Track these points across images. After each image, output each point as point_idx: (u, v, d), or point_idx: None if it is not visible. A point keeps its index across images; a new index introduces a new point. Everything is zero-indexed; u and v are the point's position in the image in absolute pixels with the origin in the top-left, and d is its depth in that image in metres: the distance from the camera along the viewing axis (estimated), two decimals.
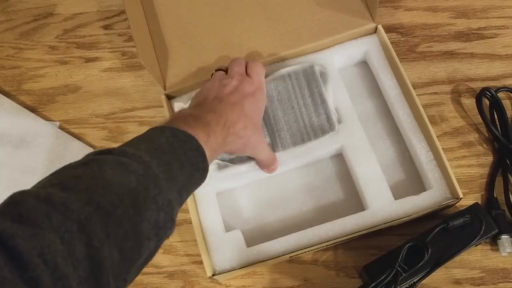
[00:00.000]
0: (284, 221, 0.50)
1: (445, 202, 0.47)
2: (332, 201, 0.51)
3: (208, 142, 0.38)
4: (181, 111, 0.44)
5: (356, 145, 0.50)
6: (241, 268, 0.46)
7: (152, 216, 0.31)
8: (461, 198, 0.46)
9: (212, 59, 0.55)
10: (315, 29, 0.54)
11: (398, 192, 0.48)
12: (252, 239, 0.48)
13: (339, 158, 0.52)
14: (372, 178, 0.49)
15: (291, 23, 0.55)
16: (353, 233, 0.46)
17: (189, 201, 0.49)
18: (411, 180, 0.50)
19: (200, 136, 0.38)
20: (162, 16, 0.58)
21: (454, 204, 0.48)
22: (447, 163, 0.47)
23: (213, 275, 0.46)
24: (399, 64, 0.51)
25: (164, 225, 0.32)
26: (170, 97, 0.55)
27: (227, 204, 0.51)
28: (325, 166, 0.52)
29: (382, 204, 0.47)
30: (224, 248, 0.47)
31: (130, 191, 0.31)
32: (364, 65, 0.56)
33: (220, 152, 0.42)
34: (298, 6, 0.56)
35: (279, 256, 0.46)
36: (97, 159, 0.32)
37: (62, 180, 0.30)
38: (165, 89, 0.54)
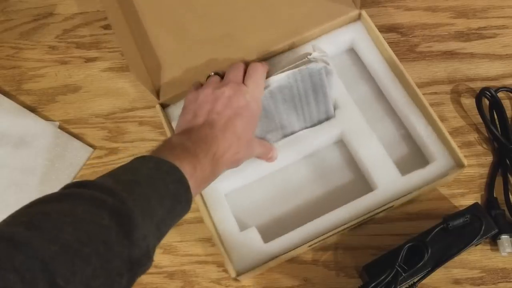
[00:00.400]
0: (297, 212, 0.50)
1: (451, 172, 0.47)
2: (340, 186, 0.51)
3: (194, 175, 0.38)
4: (170, 139, 0.42)
5: (356, 129, 0.51)
6: (264, 263, 0.46)
7: (124, 253, 0.31)
8: (465, 166, 0.47)
9: (203, 61, 0.54)
10: (301, 21, 0.54)
11: (404, 169, 0.49)
12: (268, 235, 0.48)
13: (340, 144, 0.53)
14: (376, 158, 0.49)
15: (275, 18, 0.55)
16: (368, 213, 0.47)
17: (200, 206, 0.48)
18: (415, 156, 0.51)
19: (186, 168, 0.37)
20: (150, 25, 0.57)
21: (458, 172, 0.48)
22: (447, 134, 0.48)
23: (237, 275, 0.46)
24: (387, 45, 0.52)
25: (139, 261, 0.32)
26: (164, 106, 0.54)
27: (237, 203, 0.51)
28: (327, 154, 0.53)
29: (391, 181, 0.48)
30: (242, 247, 0.47)
31: (101, 227, 0.30)
32: (353, 51, 0.56)
33: (210, 181, 0.42)
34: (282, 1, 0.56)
35: (299, 246, 0.46)
36: (71, 194, 0.32)
37: (30, 217, 0.30)
38: (158, 98, 0.54)
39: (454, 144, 0.48)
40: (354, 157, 0.51)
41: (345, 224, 0.46)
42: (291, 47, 0.55)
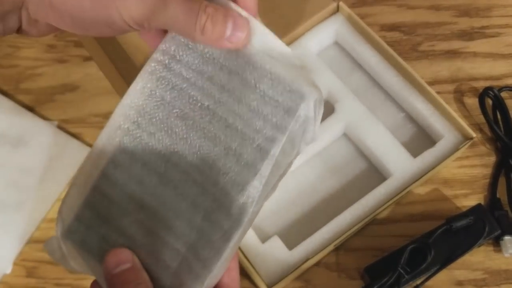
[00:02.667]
0: (315, 213, 0.50)
1: (461, 145, 0.48)
2: (353, 179, 0.51)
3: None
4: None
5: (360, 119, 0.50)
6: (293, 271, 0.45)
7: None
8: (474, 137, 0.47)
9: None
10: (282, 23, 0.54)
11: (413, 151, 0.49)
12: (290, 241, 0.47)
13: (345, 137, 0.52)
14: (386, 145, 0.49)
15: None
16: (389, 201, 0.47)
17: None
18: (421, 137, 0.51)
19: None
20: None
21: (468, 144, 0.48)
22: (449, 109, 0.49)
23: None
24: (371, 31, 0.52)
25: None
26: None
27: None
28: (335, 150, 0.52)
29: (404, 166, 0.48)
30: (267, 258, 0.46)
31: None
32: (337, 44, 0.56)
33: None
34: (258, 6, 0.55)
35: (325, 248, 0.46)
36: None
37: None
38: None
39: (458, 118, 0.48)
40: (362, 148, 0.51)
41: (369, 215, 0.46)
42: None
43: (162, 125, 0.30)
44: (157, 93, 0.30)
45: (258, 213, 0.31)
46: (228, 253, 0.29)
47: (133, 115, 0.31)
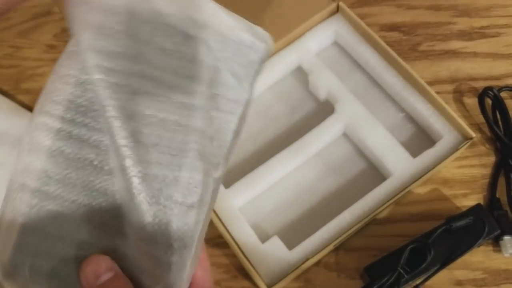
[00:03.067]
0: (314, 213, 0.50)
1: (461, 145, 0.48)
2: (352, 179, 0.51)
3: None
4: None
5: (359, 119, 0.51)
6: (293, 271, 0.45)
7: None
8: (473, 137, 0.47)
9: None
10: (281, 24, 0.54)
11: (413, 151, 0.49)
12: (290, 241, 0.47)
13: (345, 137, 0.52)
14: (386, 145, 0.49)
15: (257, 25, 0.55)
16: (389, 201, 0.47)
17: (218, 225, 0.47)
18: (420, 137, 0.52)
19: None
20: None
21: (468, 144, 0.48)
22: (449, 109, 0.49)
23: None
24: (371, 31, 0.52)
25: None
26: None
27: (253, 215, 0.50)
28: (334, 150, 0.52)
29: (405, 166, 0.48)
30: (268, 258, 0.46)
31: None
32: (337, 44, 0.57)
33: None
34: (257, 7, 0.55)
35: (325, 247, 0.46)
36: None
37: None
38: None
39: (458, 118, 0.48)
40: (361, 148, 0.51)
41: (369, 215, 0.46)
42: (273, 53, 0.54)
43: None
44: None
45: (220, 180, 0.28)
46: (196, 229, 0.26)
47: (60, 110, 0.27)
